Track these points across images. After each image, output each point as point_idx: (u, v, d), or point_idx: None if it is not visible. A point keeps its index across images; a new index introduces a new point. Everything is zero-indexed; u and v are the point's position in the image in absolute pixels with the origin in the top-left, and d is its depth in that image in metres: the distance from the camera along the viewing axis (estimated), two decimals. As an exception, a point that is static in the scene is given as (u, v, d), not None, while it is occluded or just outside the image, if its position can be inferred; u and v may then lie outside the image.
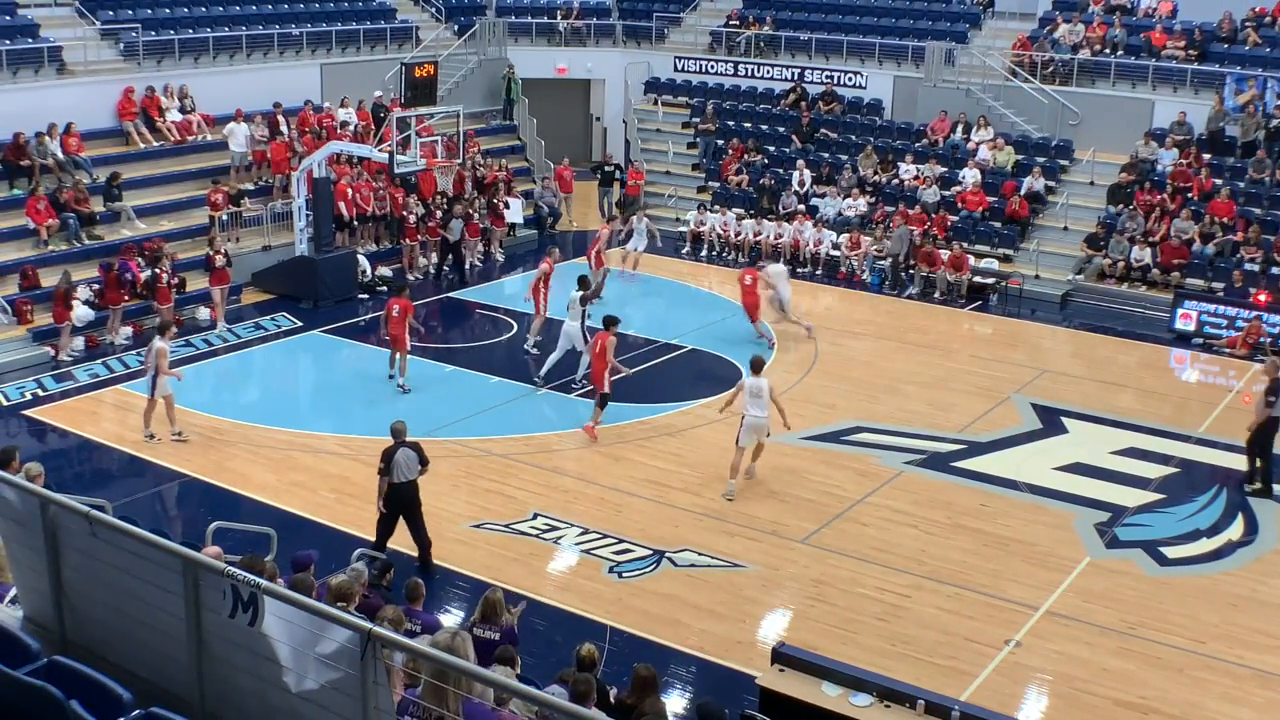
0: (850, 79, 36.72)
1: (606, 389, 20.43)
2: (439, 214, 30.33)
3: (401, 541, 16.46)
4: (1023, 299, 28.97)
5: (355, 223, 29.82)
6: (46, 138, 27.08)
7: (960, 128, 33.63)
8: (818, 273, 30.75)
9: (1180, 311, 26.83)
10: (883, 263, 30.04)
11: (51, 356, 23.49)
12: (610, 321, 20.95)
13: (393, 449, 15.72)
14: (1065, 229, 30.64)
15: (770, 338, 25.22)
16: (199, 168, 29.84)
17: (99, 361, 23.60)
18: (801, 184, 33.41)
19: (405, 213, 30.08)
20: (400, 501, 15.84)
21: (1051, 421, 21.68)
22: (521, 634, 12.34)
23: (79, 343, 23.98)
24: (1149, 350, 26.04)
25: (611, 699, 10.72)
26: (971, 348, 26.18)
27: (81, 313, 24.02)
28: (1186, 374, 25.27)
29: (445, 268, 30.24)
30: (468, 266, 30.49)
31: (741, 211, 32.83)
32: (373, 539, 16.11)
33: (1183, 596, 15.90)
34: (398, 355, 22.62)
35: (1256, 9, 33.30)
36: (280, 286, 27.81)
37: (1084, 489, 18.93)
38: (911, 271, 29.68)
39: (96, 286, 24.58)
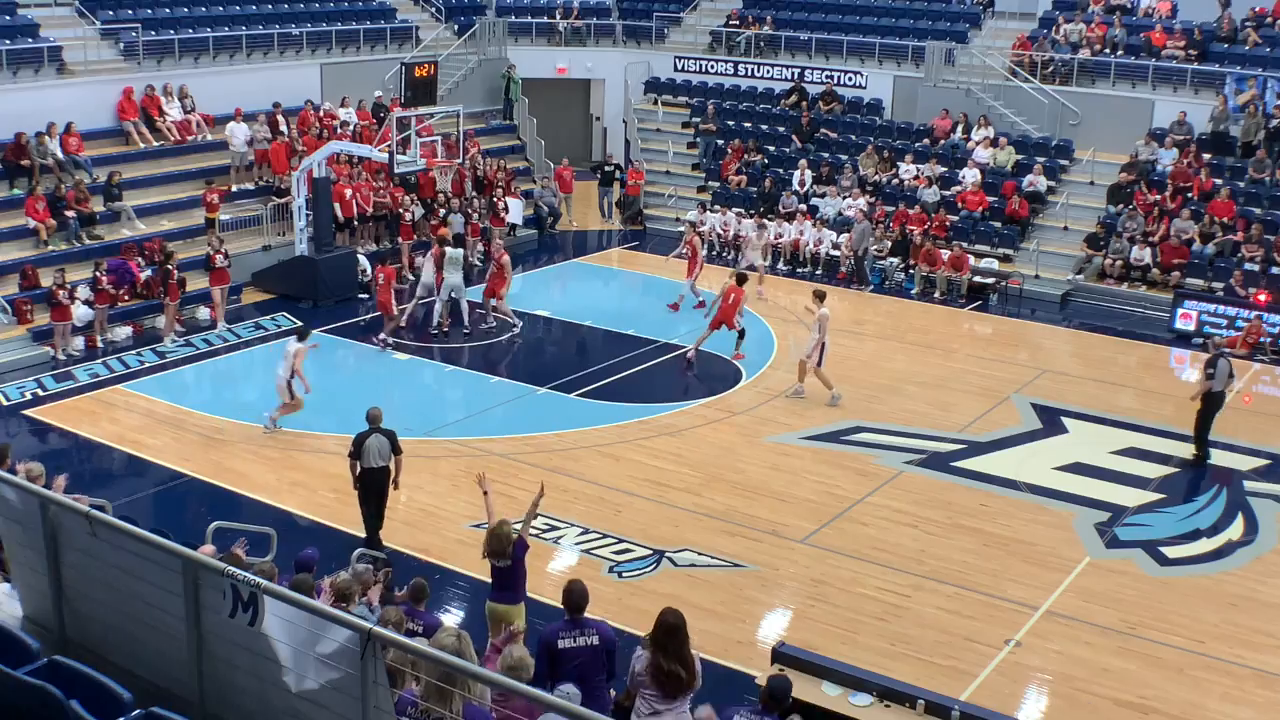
0: (850, 79, 36.72)
1: (738, 328, 24.15)
2: (441, 212, 30.35)
3: (401, 541, 16.49)
4: (1023, 299, 28.99)
5: (355, 222, 29.82)
6: (46, 137, 27.08)
7: (960, 127, 33.63)
8: (818, 273, 30.74)
9: (1180, 311, 26.85)
10: (883, 263, 30.08)
11: (51, 356, 23.50)
12: (742, 278, 24.53)
13: (365, 434, 16.19)
14: (1065, 229, 30.65)
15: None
16: (199, 167, 29.83)
17: (99, 361, 23.61)
18: (802, 184, 33.42)
19: (401, 210, 30.06)
20: (370, 485, 16.29)
21: (1051, 421, 21.68)
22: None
23: (79, 343, 24.00)
24: (1149, 350, 26.05)
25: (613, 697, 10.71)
26: (971, 347, 26.19)
27: (81, 312, 24.05)
28: (1186, 374, 25.26)
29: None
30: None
31: (741, 211, 32.82)
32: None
33: (1183, 596, 15.90)
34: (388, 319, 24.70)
35: (1256, 9, 33.30)
36: (280, 286, 27.81)
37: (1084, 489, 18.94)
38: (878, 265, 30.16)
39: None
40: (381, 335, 24.67)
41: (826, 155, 34.48)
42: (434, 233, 29.86)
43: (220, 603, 6.57)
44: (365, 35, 35.89)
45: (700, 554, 16.61)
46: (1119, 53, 33.34)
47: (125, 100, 29.46)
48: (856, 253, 30.18)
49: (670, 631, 9.24)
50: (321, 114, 31.98)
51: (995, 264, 29.96)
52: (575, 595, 10.52)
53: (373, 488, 16.30)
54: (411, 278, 28.78)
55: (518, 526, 13.18)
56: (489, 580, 15.20)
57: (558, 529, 17.20)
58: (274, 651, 6.43)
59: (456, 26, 38.70)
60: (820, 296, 22.31)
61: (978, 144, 32.86)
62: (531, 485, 18.28)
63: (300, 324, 23.20)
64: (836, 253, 30.79)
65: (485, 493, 13.58)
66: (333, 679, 6.21)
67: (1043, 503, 18.49)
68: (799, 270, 30.97)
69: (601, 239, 34.41)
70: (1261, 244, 27.93)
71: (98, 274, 24.39)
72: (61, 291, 23.56)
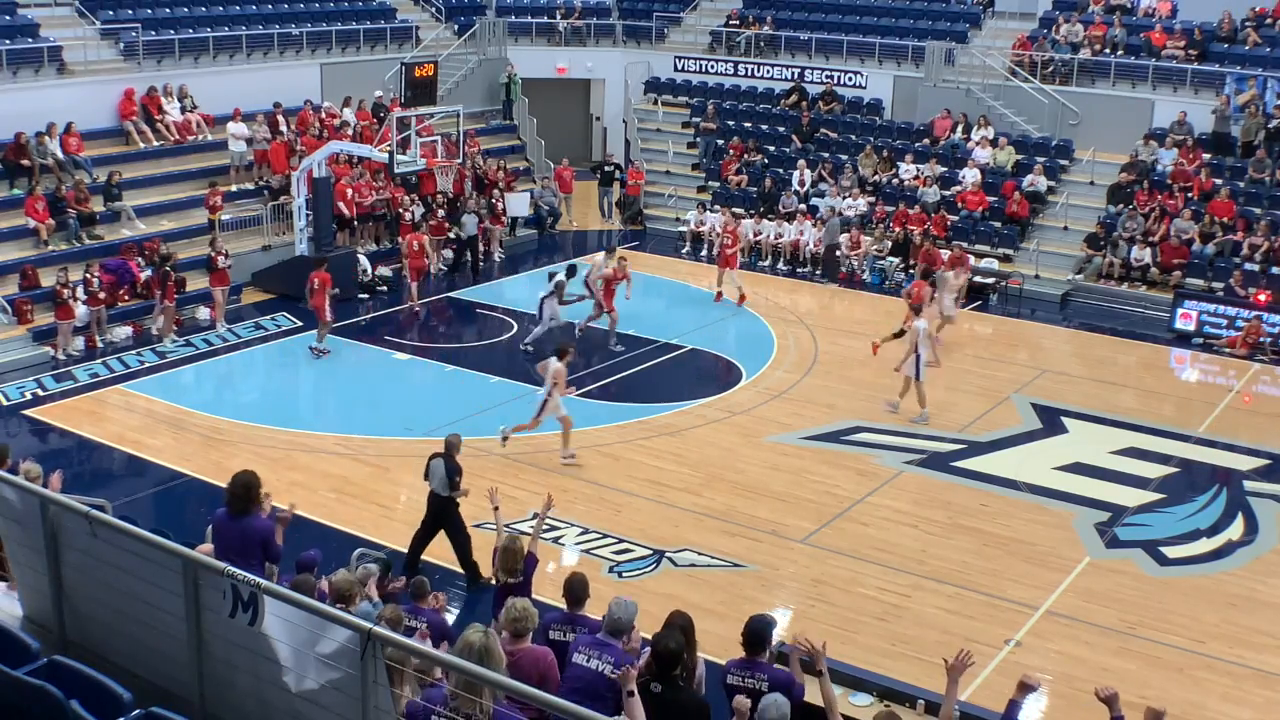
0: (850, 79, 36.71)
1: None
2: (439, 213, 30.39)
3: (403, 541, 16.47)
4: (1023, 299, 28.98)
5: (355, 222, 29.81)
6: (46, 137, 27.07)
7: (960, 127, 33.61)
8: (817, 273, 30.73)
9: (1180, 311, 26.81)
10: (882, 262, 30.09)
11: (51, 356, 23.50)
12: (928, 274, 25.73)
13: (433, 456, 16.00)
14: (1065, 229, 30.64)
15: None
16: (199, 167, 29.84)
17: (99, 361, 23.61)
18: (802, 184, 33.40)
19: (400, 210, 30.03)
20: (430, 509, 16.08)
21: (1051, 421, 21.67)
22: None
23: (79, 343, 24.00)
24: (1149, 350, 26.04)
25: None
26: (971, 347, 26.16)
27: (81, 312, 24.04)
28: (1186, 374, 25.27)
29: (464, 261, 30.86)
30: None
31: (741, 211, 32.79)
32: (372, 539, 16.19)
33: (1183, 596, 15.90)
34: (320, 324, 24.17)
35: (1256, 9, 33.28)
36: (280, 286, 27.79)
37: (1084, 489, 18.92)
38: (878, 264, 30.35)
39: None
40: (314, 343, 24.37)
41: (826, 155, 34.46)
42: (435, 233, 29.88)
43: (220, 603, 6.57)
44: (365, 35, 35.90)
45: (700, 554, 16.61)
46: (1119, 53, 33.33)
47: (125, 100, 29.46)
48: (828, 249, 30.52)
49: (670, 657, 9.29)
50: (323, 114, 31.95)
51: (995, 264, 29.96)
52: (575, 587, 10.53)
53: (433, 512, 16.05)
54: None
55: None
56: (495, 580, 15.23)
57: (558, 529, 17.19)
58: (274, 651, 6.43)
59: (456, 26, 38.71)
60: (916, 310, 22.42)
61: (977, 144, 32.86)
62: (532, 485, 18.43)
63: (563, 343, 20.88)
64: (837, 253, 30.78)
65: (495, 508, 13.40)
66: (333, 679, 6.22)
67: (1043, 503, 18.48)
68: (799, 270, 30.96)
69: (602, 239, 34.38)
70: (1268, 237, 27.81)
71: (88, 275, 24.35)
72: (65, 290, 23.58)
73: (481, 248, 31.32)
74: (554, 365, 19.22)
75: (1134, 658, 14.41)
